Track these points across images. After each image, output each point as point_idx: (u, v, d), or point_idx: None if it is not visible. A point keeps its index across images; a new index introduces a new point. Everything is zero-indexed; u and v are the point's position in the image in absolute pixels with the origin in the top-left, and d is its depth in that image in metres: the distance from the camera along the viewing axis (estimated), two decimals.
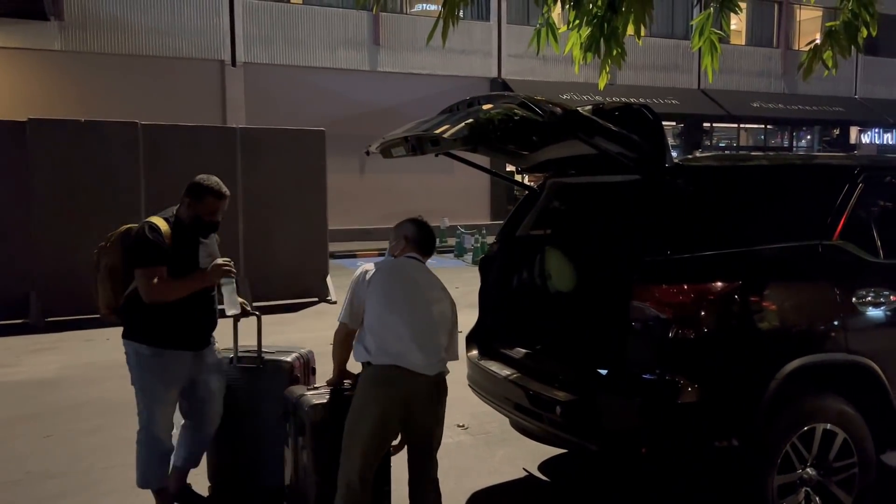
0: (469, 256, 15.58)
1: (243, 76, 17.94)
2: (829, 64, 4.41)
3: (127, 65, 16.82)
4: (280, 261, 10.08)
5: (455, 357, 3.42)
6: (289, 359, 3.99)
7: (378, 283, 3.28)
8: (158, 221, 3.64)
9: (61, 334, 8.53)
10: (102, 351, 7.55)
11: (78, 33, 16.73)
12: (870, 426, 3.54)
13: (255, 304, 9.59)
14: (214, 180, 3.70)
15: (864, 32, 4.40)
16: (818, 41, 4.46)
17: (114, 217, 9.18)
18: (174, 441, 3.84)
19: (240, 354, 4.02)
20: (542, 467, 4.63)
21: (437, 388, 3.31)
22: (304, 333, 8.30)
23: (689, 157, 4.24)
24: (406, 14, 19.30)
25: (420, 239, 3.46)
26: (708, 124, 23.53)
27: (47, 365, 7.24)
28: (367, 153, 4.04)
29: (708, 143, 23.83)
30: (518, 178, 13.14)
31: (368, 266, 3.39)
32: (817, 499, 3.48)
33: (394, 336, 3.22)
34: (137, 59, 17.00)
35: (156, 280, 3.53)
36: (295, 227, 10.21)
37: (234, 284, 3.70)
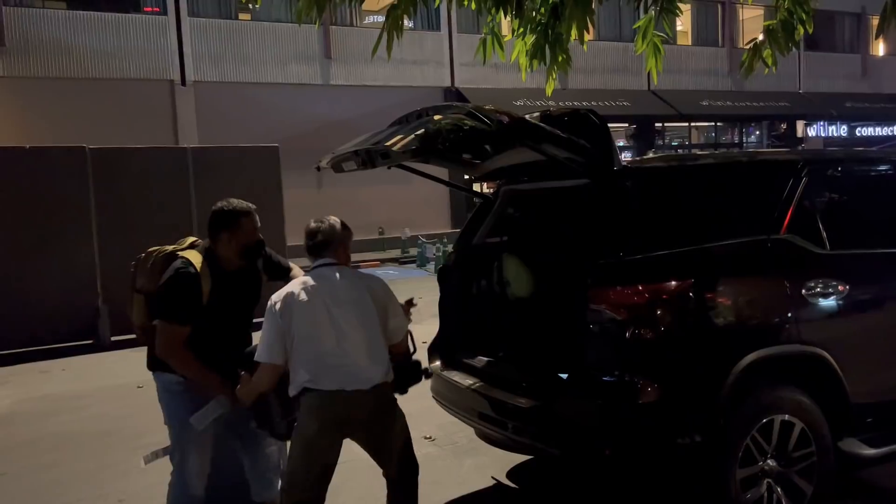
0: (431, 266, 15.58)
1: (194, 95, 17.72)
2: (769, 62, 4.50)
3: (73, 89, 16.47)
4: None
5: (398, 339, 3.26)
6: None
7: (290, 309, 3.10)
8: (195, 259, 3.29)
9: (13, 367, 8.29)
10: (57, 382, 7.36)
11: (20, 58, 16.36)
12: (826, 415, 3.61)
13: None
14: (235, 201, 3.43)
15: (801, 30, 4.51)
16: (758, 40, 4.55)
17: (62, 248, 9.16)
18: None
19: None
20: (511, 475, 4.62)
21: (381, 402, 3.19)
22: None
23: (637, 159, 4.30)
24: (357, 27, 19.29)
25: (305, 244, 3.25)
26: (660, 124, 23.91)
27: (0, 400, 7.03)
28: (318, 168, 4.02)
29: (661, 142, 24.22)
30: (476, 186, 13.18)
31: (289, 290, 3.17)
32: (779, 489, 3.53)
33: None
34: (83, 83, 16.67)
35: (174, 341, 3.22)
36: None
37: (225, 411, 3.30)
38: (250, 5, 18.38)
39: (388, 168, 3.94)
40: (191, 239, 3.58)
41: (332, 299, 3.11)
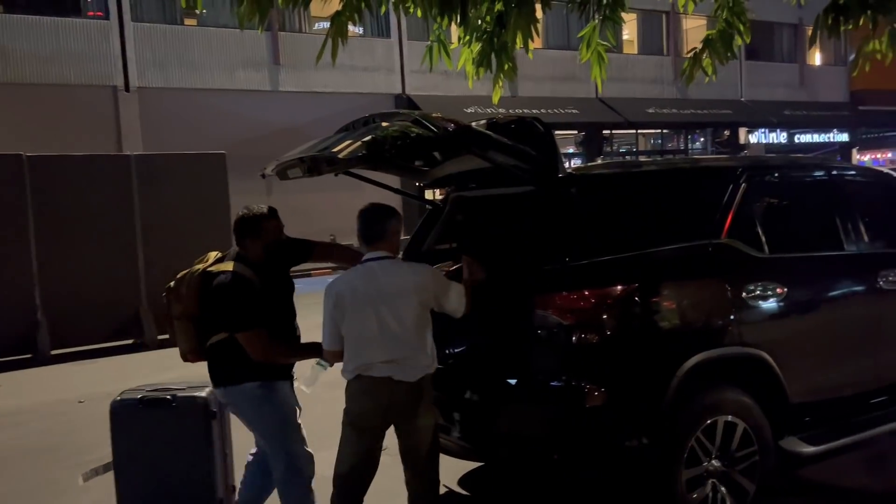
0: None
1: (138, 101, 17.33)
2: (709, 70, 4.62)
3: (11, 95, 15.94)
4: None
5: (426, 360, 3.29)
6: (203, 394, 3.84)
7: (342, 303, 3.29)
8: (243, 270, 3.40)
9: None
10: None
11: None
12: (767, 414, 3.71)
13: (159, 336, 9.34)
14: (255, 207, 3.55)
15: (739, 40, 4.64)
16: (697, 49, 4.67)
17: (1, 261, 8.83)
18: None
19: (149, 394, 3.81)
20: (462, 482, 4.62)
21: (412, 397, 3.26)
22: None
23: (582, 166, 4.36)
24: (306, 33, 19.14)
25: (358, 230, 3.36)
26: (608, 131, 24.30)
27: None
28: (263, 176, 3.97)
29: (609, 149, 24.61)
30: (429, 193, 13.16)
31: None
32: (723, 489, 3.61)
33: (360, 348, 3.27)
34: (21, 89, 16.14)
35: (264, 344, 3.39)
36: (200, 253, 9.85)
37: (326, 370, 3.51)
38: (197, 11, 18.07)
39: (336, 175, 3.92)
40: (214, 254, 3.67)
41: (377, 294, 3.22)
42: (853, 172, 4.88)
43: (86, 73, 16.88)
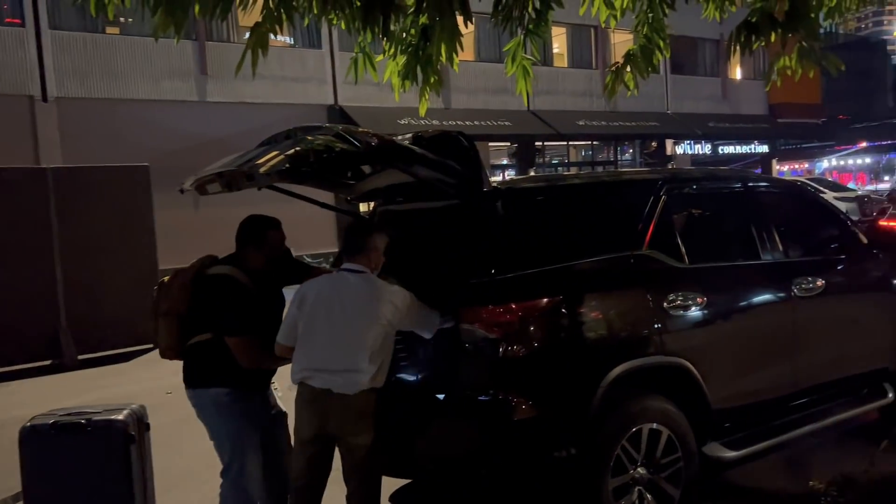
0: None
1: (57, 112, 16.65)
2: (630, 85, 4.72)
3: None
4: (107, 308, 9.38)
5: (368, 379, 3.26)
6: (121, 416, 3.68)
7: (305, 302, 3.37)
8: (236, 273, 3.51)
9: None
10: None
11: None
12: (690, 421, 3.78)
13: (80, 356, 8.98)
14: (259, 216, 3.67)
15: (659, 55, 4.76)
16: (619, 63, 4.77)
17: None
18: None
19: (61, 418, 3.63)
20: (394, 498, 4.56)
21: (349, 407, 3.26)
22: (139, 385, 7.75)
23: (507, 180, 4.39)
24: (234, 42, 18.80)
25: (342, 244, 3.50)
26: (540, 143, 24.65)
27: None
28: (182, 191, 3.85)
29: (541, 161, 24.99)
30: (364, 207, 13.03)
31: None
32: (649, 496, 3.66)
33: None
34: None
35: (253, 350, 3.44)
36: (122, 270, 9.55)
37: None
38: (110, 17, 17.50)
39: (259, 189, 3.83)
40: (209, 257, 3.74)
41: (339, 302, 3.27)
42: (767, 184, 5.07)
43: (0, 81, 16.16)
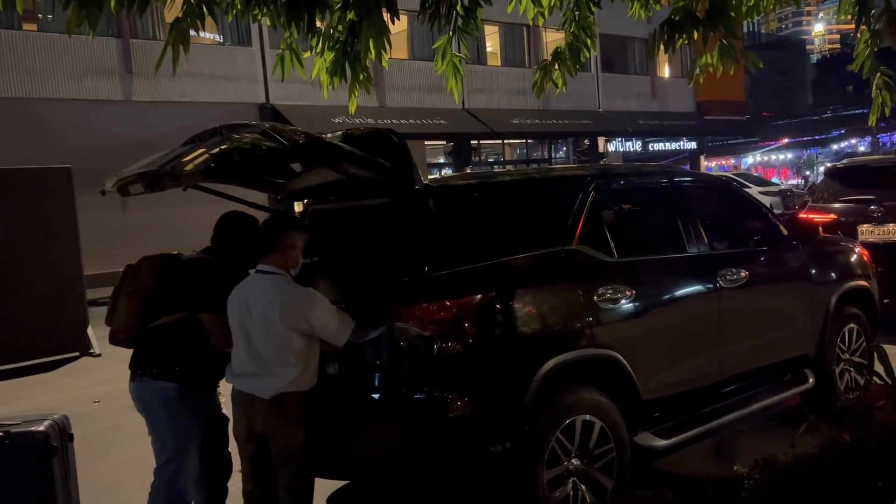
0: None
1: None
2: (559, 82, 4.77)
3: None
4: (27, 317, 8.99)
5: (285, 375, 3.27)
6: (41, 427, 3.53)
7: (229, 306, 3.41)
8: (213, 259, 3.60)
9: None
10: None
11: None
12: (622, 412, 3.86)
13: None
14: (240, 212, 3.71)
15: (586, 53, 4.82)
16: (547, 61, 4.81)
17: None
18: None
19: None
20: (331, 500, 4.51)
21: (268, 409, 3.27)
22: (63, 394, 7.47)
23: (438, 177, 4.40)
24: (159, 40, 18.26)
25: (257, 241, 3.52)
26: (475, 141, 24.81)
27: None
28: (103, 193, 3.71)
29: (477, 159, 25.14)
30: (298, 206, 12.85)
31: None
32: (583, 487, 3.72)
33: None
34: None
35: (226, 327, 3.39)
36: (43, 276, 9.18)
37: None
38: (19, 12, 16.78)
39: (184, 190, 3.73)
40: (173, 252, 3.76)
41: (250, 307, 3.27)
42: (693, 179, 5.21)
43: None
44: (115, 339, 3.65)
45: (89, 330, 9.70)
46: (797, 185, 30.50)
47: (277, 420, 3.27)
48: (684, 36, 4.18)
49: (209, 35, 19.14)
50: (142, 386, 3.52)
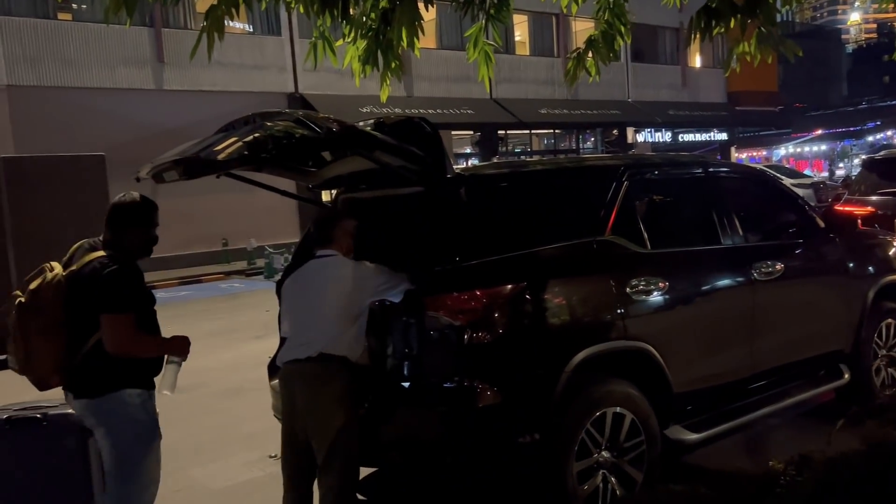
0: (280, 277, 15.15)
1: (8, 100, 16.17)
2: (592, 71, 4.72)
3: None
4: None
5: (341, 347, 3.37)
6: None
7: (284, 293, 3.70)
8: (115, 255, 3.24)
9: None
10: None
11: None
12: (652, 405, 3.82)
13: None
14: (137, 194, 3.47)
15: (620, 41, 4.76)
16: (580, 49, 4.76)
17: None
18: None
19: (16, 413, 3.51)
20: (360, 486, 4.54)
21: (313, 376, 3.32)
22: None
23: (470, 166, 4.37)
24: (191, 29, 18.43)
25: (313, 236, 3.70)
26: (502, 132, 24.71)
27: None
28: (138, 180, 3.75)
29: (504, 149, 25.04)
30: (326, 195, 12.93)
31: None
32: (613, 479, 3.69)
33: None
34: None
35: (130, 329, 3.15)
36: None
37: (179, 368, 3.37)
38: (73, 4, 17.03)
39: (217, 177, 3.75)
40: (74, 249, 3.47)
41: (308, 282, 3.48)
42: (728, 169, 5.13)
43: None
44: (45, 385, 3.28)
45: None
46: (830, 178, 29.96)
47: (316, 386, 3.31)
48: (721, 24, 4.11)
49: (239, 25, 19.26)
50: (101, 401, 3.21)
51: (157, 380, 3.36)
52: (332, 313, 3.37)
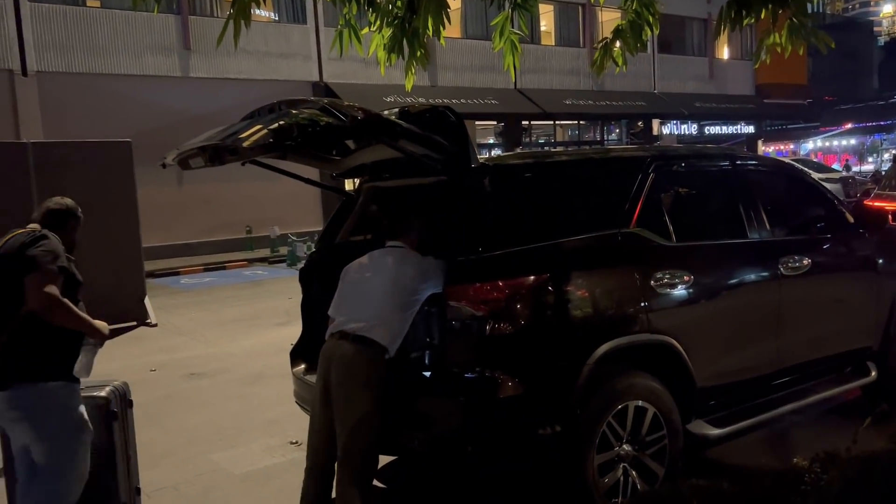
0: (302, 265, 15.23)
1: (37, 86, 16.37)
2: (619, 61, 4.66)
3: None
4: (88, 286, 9.23)
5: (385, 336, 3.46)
6: (103, 393, 3.64)
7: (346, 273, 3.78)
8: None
9: None
10: None
11: None
12: (675, 398, 3.79)
13: None
14: (64, 200, 3.63)
15: (648, 32, 4.70)
16: (608, 39, 4.70)
17: None
18: None
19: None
20: (379, 474, 4.56)
21: (355, 353, 3.41)
22: (122, 362, 7.70)
23: (494, 156, 4.35)
24: (217, 17, 18.51)
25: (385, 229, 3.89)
26: (526, 122, 24.57)
27: None
28: (164, 166, 3.78)
29: (528, 140, 24.91)
30: (349, 184, 12.96)
31: None
32: (633, 473, 3.67)
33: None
34: None
35: (56, 288, 3.12)
36: (104, 247, 9.43)
37: (94, 353, 3.39)
38: None
39: (242, 164, 3.77)
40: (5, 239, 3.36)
41: (372, 267, 3.63)
42: (755, 162, 5.05)
43: None
44: None
45: (146, 301, 9.97)
46: (858, 172, 29.44)
47: (356, 372, 3.39)
48: (752, 14, 4.04)
49: (265, 13, 19.31)
50: (20, 392, 3.14)
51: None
52: (384, 300, 3.48)
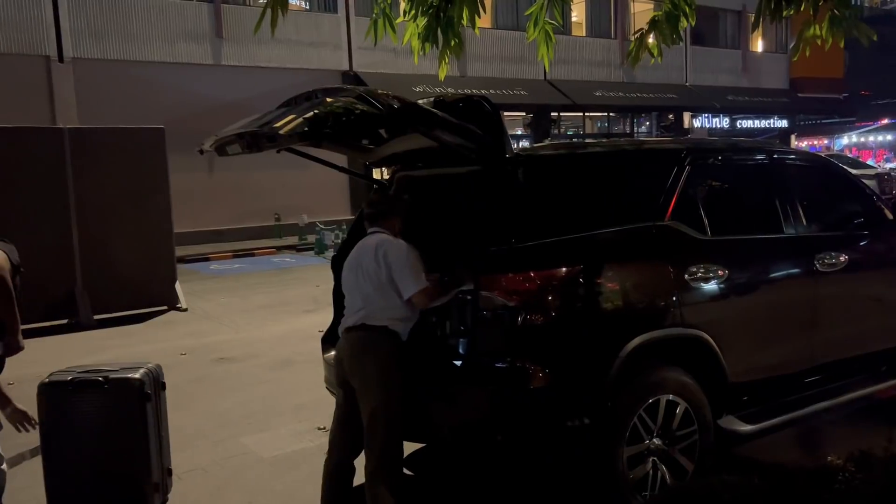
0: (330, 253, 15.33)
1: (73, 72, 16.63)
2: (654, 52, 4.61)
3: None
4: (121, 270, 9.43)
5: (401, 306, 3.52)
6: (137, 375, 3.72)
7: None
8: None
9: None
10: None
11: None
12: (707, 394, 3.76)
13: (95, 317, 9.06)
14: None
15: (685, 22, 4.64)
16: (644, 30, 4.65)
17: None
18: None
19: (79, 375, 3.67)
20: (406, 462, 4.58)
21: (356, 342, 3.50)
22: (153, 345, 7.82)
23: (529, 146, 4.33)
24: (249, 6, 18.63)
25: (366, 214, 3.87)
26: (555, 113, 24.40)
27: None
28: (201, 152, 3.82)
29: (557, 131, 24.76)
30: (377, 173, 12.99)
31: None
32: (663, 467, 3.65)
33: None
34: None
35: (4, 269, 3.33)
36: (137, 232, 9.60)
37: None
38: None
39: (278, 152, 3.80)
40: None
41: (361, 260, 3.61)
42: (793, 156, 4.97)
43: (15, 41, 16.10)
44: None
45: (177, 285, 10.11)
46: (894, 168, 28.83)
47: (369, 358, 3.44)
48: (792, 6, 3.97)
49: (297, 1, 19.38)
50: None
51: None
52: (372, 287, 3.52)
